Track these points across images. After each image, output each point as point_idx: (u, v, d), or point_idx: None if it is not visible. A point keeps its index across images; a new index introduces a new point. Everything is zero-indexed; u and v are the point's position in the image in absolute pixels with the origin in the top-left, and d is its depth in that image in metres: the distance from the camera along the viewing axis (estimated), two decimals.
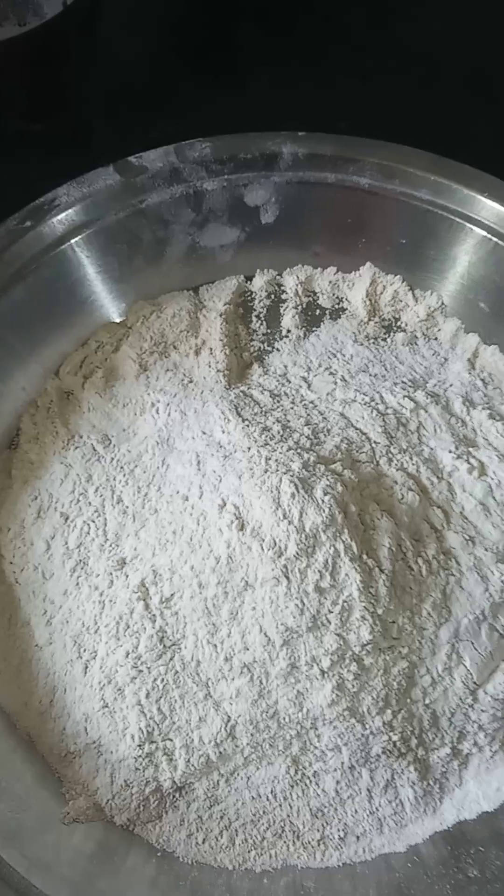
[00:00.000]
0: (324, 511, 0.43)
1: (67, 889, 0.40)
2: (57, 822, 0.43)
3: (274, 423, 0.50)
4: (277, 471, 0.45)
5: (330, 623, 0.43)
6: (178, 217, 0.56)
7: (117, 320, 0.57)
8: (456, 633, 0.45)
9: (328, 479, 0.45)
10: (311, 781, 0.44)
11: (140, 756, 0.44)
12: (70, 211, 0.53)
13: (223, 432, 0.50)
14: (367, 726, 0.43)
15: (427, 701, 0.45)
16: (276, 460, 0.46)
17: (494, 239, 0.53)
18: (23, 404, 0.54)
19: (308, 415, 0.52)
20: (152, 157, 0.55)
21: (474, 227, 0.54)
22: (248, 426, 0.49)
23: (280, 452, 0.47)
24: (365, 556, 0.44)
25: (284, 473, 0.45)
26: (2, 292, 0.52)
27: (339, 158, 0.55)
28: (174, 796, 0.45)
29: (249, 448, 0.48)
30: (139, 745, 0.44)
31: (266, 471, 0.45)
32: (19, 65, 0.69)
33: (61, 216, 0.53)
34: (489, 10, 0.75)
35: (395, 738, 0.44)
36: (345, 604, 0.43)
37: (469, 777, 0.45)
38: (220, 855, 0.44)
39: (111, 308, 0.57)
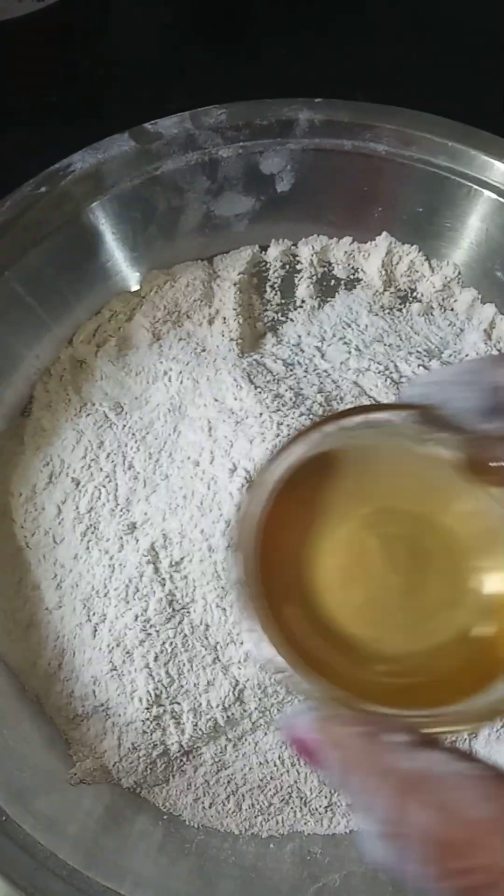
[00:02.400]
0: None
1: (72, 846, 0.40)
2: (64, 782, 0.44)
3: (286, 390, 0.50)
4: (289, 435, 0.45)
5: None
6: (192, 185, 0.55)
7: (131, 289, 0.57)
8: None
9: None
10: None
11: (148, 719, 0.44)
12: (85, 176, 0.53)
13: (235, 399, 0.50)
14: None
15: None
16: (288, 425, 0.46)
17: None
18: (36, 372, 0.54)
19: (321, 383, 0.51)
20: (167, 123, 0.54)
21: (492, 195, 0.53)
22: (260, 393, 0.49)
23: (292, 418, 0.47)
24: None
25: None
26: (19, 256, 0.51)
27: (355, 125, 0.54)
28: (181, 760, 0.44)
29: (261, 414, 0.47)
30: (147, 708, 0.44)
31: (277, 435, 0.45)
32: (38, 40, 0.69)
33: (76, 182, 0.53)
34: None
35: None
36: None
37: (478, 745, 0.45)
38: (226, 820, 0.44)
39: (125, 277, 0.56)
